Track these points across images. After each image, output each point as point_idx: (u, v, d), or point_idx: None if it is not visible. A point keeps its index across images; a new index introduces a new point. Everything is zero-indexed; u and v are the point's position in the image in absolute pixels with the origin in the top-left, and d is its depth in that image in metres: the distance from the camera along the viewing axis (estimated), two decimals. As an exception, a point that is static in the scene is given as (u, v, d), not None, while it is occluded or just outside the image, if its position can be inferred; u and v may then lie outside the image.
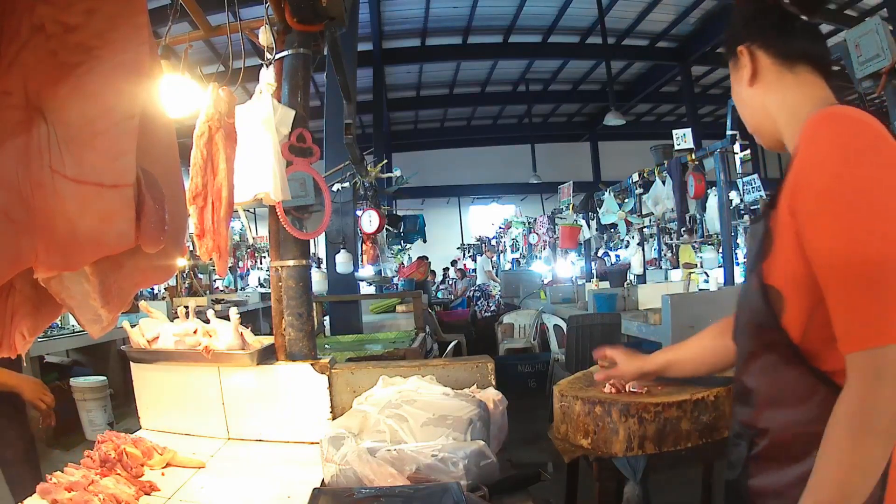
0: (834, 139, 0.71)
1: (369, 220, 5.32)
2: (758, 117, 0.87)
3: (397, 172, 6.34)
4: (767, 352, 0.79)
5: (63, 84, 0.52)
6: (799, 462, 0.74)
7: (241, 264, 10.62)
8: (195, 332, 1.70)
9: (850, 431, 0.68)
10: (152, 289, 7.20)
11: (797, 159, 0.74)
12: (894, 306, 0.67)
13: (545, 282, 8.12)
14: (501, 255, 12.18)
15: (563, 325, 4.83)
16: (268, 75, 1.76)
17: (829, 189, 0.69)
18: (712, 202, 4.68)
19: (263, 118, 1.65)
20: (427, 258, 9.26)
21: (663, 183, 5.09)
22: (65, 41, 0.52)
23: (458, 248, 15.17)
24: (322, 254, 6.57)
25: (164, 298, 6.56)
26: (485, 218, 15.86)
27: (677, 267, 6.08)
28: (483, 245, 12.54)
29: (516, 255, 11.47)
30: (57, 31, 0.52)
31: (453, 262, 13.29)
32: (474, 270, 12.29)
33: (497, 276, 10.34)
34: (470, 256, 14.50)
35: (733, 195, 4.47)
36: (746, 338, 0.84)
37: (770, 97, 0.84)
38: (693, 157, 4.61)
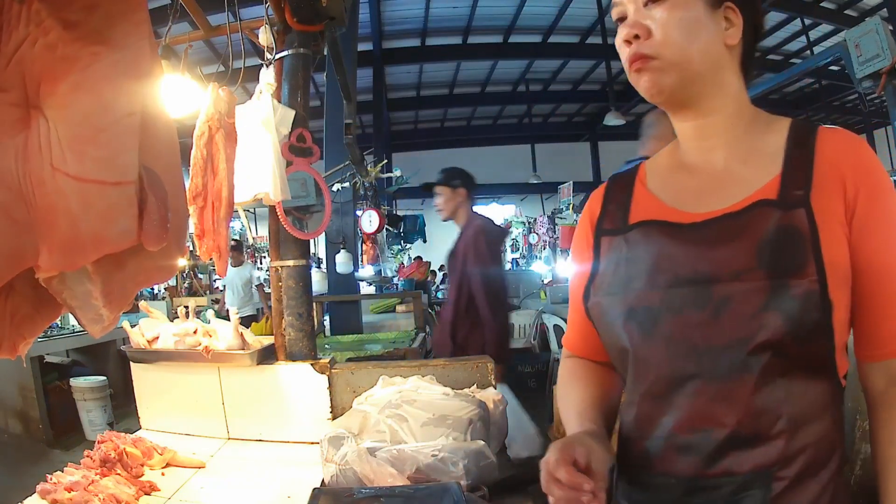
0: (875, 156, 0.77)
1: (369, 220, 5.32)
2: (704, 73, 0.79)
3: (397, 172, 6.33)
4: (799, 366, 0.71)
5: (63, 81, 0.52)
6: (825, 468, 0.73)
7: (241, 264, 10.60)
8: (195, 332, 1.70)
9: None
10: (152, 289, 7.21)
11: (856, 168, 0.74)
12: None
13: (545, 282, 8.11)
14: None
15: (563, 325, 4.83)
16: (268, 75, 1.76)
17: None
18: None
19: (263, 118, 1.65)
20: (421, 258, 9.24)
21: (663, 183, 5.08)
22: (65, 38, 0.52)
23: (458, 249, 15.13)
24: (322, 254, 6.57)
25: (164, 298, 6.57)
26: (484, 218, 15.82)
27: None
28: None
29: (516, 256, 11.45)
30: (57, 28, 0.52)
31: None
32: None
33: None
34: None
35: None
36: (755, 357, 0.70)
37: (733, 73, 0.82)
38: (693, 157, 4.60)
